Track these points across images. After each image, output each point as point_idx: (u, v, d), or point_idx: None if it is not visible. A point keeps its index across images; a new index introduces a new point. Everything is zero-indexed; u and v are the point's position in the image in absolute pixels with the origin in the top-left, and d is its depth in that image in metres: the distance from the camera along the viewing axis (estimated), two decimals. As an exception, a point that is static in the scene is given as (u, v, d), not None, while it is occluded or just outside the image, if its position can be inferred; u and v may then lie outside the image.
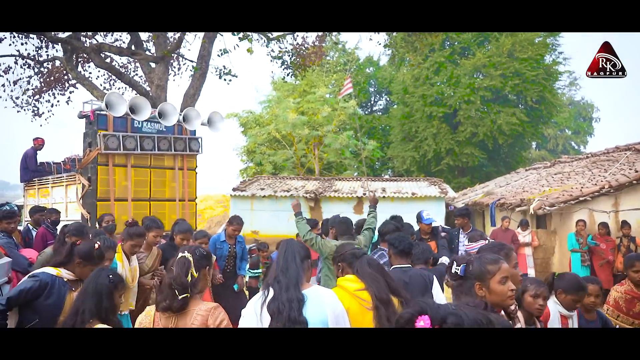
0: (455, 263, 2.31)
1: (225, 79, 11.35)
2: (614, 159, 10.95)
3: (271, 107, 25.89)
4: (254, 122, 25.22)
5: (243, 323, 2.56)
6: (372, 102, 35.26)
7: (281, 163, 23.25)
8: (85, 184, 7.92)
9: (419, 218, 6.22)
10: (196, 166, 9.10)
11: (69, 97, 14.57)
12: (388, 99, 35.10)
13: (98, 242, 3.32)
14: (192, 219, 8.89)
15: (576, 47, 61.44)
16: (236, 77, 11.34)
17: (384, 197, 15.63)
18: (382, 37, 16.89)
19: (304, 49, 13.34)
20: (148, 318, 2.38)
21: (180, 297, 2.29)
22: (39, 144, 9.44)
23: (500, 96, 24.43)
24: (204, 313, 2.33)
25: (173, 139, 8.50)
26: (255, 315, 2.48)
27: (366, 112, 34.07)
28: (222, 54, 11.36)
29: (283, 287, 2.47)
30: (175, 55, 13.32)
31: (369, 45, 72.91)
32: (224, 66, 11.17)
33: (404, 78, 26.85)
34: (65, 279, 3.10)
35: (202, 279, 2.42)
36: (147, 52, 11.73)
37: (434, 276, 3.69)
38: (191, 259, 2.37)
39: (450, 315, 1.36)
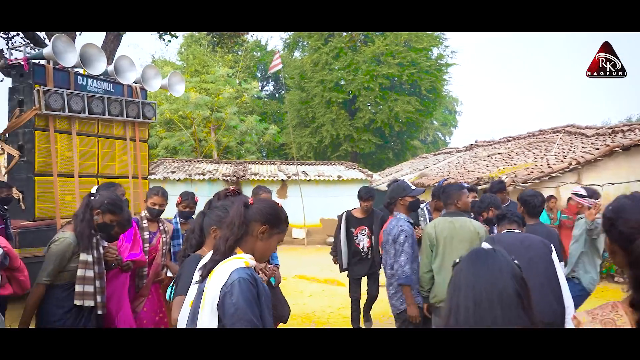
0: None
1: (164, 39, 9.72)
2: (548, 141, 11.62)
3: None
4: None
5: None
6: (261, 87, 34.27)
7: (178, 146, 21.31)
8: (14, 154, 6.07)
9: None
10: (148, 137, 7.57)
11: None
12: (276, 84, 34.42)
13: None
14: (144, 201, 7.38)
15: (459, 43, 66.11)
16: (176, 37, 9.78)
17: (308, 180, 15.05)
18: None
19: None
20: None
21: None
22: None
23: (397, 84, 25.13)
24: None
25: (125, 103, 6.93)
26: None
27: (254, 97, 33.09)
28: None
29: None
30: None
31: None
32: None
33: (302, 63, 26.35)
34: (254, 268, 1.98)
35: None
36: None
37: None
38: None
39: None
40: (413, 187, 4.22)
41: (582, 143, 10.07)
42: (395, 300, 4.04)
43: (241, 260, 1.92)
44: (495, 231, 4.09)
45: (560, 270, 3.23)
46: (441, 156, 17.09)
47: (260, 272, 3.12)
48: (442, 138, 44.07)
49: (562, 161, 8.69)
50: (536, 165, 9.03)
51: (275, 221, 2.06)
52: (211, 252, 2.09)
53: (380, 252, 5.53)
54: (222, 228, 2.49)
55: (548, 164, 8.72)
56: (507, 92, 79.27)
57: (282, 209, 2.13)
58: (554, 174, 8.40)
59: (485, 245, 1.73)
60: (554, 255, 3.32)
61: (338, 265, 5.95)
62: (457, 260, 1.51)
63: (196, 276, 2.06)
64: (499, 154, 12.22)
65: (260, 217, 2.03)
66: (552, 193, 8.55)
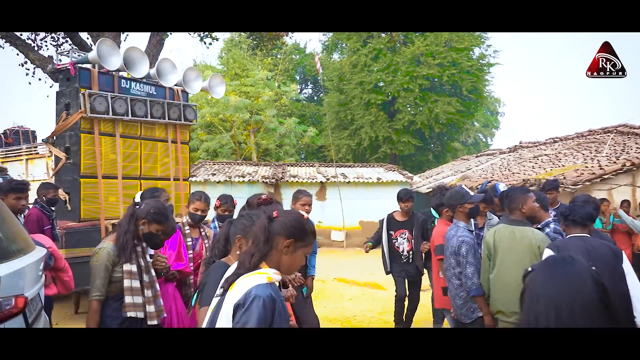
0: None
1: (205, 42, 9.84)
2: (598, 141, 11.12)
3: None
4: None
5: None
6: (300, 90, 34.39)
7: (218, 149, 21.60)
8: (60, 156, 6.23)
9: (495, 190, 5.54)
10: (189, 139, 7.64)
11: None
12: (314, 86, 34.44)
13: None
14: (185, 204, 7.43)
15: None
16: (217, 40, 9.88)
17: (347, 182, 14.93)
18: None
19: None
20: None
21: None
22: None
23: (437, 85, 24.71)
24: None
25: (167, 105, 7.01)
26: None
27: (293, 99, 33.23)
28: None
29: None
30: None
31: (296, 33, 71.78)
32: (203, 27, 9.70)
33: (341, 65, 26.27)
34: (277, 283, 1.91)
35: None
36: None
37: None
38: None
39: None
40: (472, 194, 4.07)
41: (636, 143, 9.58)
42: (464, 310, 3.95)
43: (263, 275, 1.86)
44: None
45: (635, 280, 2.99)
46: (483, 158, 16.65)
47: (288, 282, 3.04)
48: (484, 140, 43.03)
49: (614, 162, 8.27)
50: (586, 167, 8.63)
51: (300, 234, 1.98)
52: (236, 264, 2.06)
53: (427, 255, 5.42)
54: (247, 237, 2.44)
55: (599, 166, 8.32)
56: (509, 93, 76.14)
57: (307, 221, 2.05)
58: (606, 176, 8.00)
59: (549, 252, 1.58)
60: (625, 264, 3.07)
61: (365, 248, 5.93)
62: (530, 269, 1.38)
63: (219, 289, 2.04)
64: (545, 155, 11.77)
65: (285, 231, 1.96)
66: (604, 196, 8.16)
